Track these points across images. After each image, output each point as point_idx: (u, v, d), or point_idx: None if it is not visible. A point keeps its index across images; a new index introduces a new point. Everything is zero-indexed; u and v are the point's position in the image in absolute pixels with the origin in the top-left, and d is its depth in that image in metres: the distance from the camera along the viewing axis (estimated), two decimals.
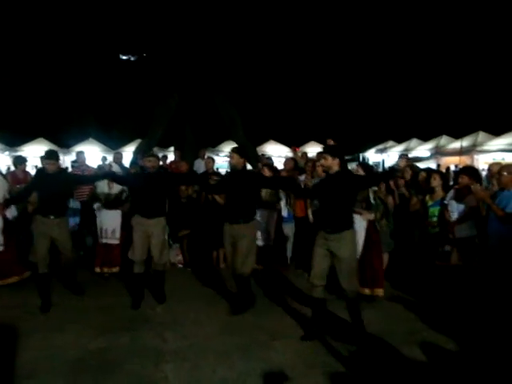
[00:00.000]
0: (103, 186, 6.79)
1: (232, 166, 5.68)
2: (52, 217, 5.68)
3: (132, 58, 32.03)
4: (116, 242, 6.84)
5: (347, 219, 4.76)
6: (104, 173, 7.09)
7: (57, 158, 5.92)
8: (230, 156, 5.65)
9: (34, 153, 16.42)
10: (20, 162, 7.84)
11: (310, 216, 6.95)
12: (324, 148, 5.40)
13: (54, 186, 5.63)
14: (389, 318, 5.37)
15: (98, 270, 6.83)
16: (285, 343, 4.69)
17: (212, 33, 15.88)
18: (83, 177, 7.42)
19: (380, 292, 5.89)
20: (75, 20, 24.76)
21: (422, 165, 12.30)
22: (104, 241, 6.85)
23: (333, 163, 4.68)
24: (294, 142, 19.97)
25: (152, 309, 5.63)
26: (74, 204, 7.32)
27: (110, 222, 6.83)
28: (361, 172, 5.85)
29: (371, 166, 6.95)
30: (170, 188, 6.30)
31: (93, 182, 6.82)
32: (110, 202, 6.82)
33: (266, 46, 21.11)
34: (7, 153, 17.74)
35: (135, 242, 5.70)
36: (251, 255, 5.52)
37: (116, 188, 6.77)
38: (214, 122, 14.71)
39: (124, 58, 32.05)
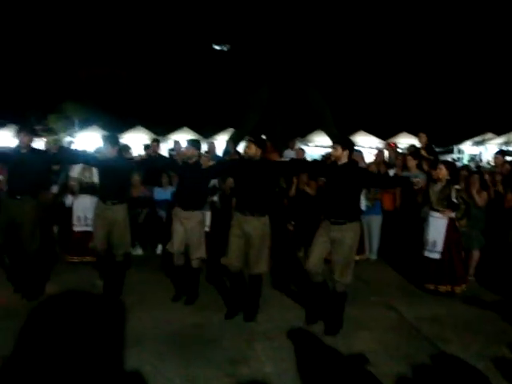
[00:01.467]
0: (79, 172, 6.87)
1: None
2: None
3: (225, 48, 32.87)
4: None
5: (352, 211, 4.84)
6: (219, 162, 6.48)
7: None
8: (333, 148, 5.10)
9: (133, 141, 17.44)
10: (126, 149, 8.43)
11: None
12: (335, 139, 5.33)
13: None
14: (475, 317, 5.34)
15: (73, 259, 6.84)
16: (368, 333, 4.86)
17: (306, 24, 15.97)
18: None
19: (459, 289, 5.93)
20: (171, 10, 25.80)
21: None
22: (80, 228, 6.89)
23: (342, 154, 4.83)
24: (384, 133, 19.60)
25: None
26: None
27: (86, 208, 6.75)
28: (443, 171, 5.84)
29: (454, 165, 6.73)
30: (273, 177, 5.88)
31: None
32: (86, 188, 6.88)
33: (360, 36, 20.77)
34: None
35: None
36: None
37: (91, 174, 6.79)
38: (303, 112, 14.85)
39: (217, 47, 32.96)
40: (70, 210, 7.09)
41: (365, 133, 20.31)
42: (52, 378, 3.82)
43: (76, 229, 6.93)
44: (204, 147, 7.66)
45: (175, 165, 6.04)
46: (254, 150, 5.06)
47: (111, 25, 26.33)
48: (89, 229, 6.50)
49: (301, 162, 6.82)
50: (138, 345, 4.39)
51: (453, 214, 5.88)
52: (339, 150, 4.85)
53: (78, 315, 5.06)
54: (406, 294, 6.11)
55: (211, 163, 5.55)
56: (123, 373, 3.92)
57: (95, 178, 6.59)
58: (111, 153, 5.68)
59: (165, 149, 17.01)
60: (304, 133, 19.69)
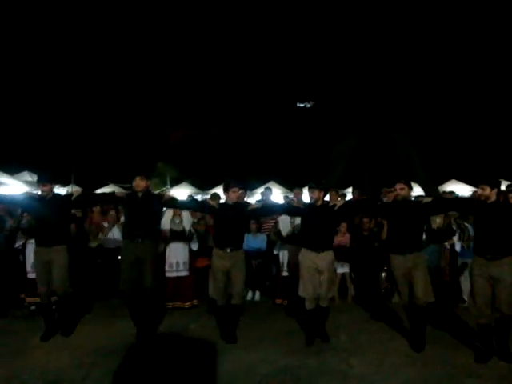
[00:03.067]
0: (169, 220, 7.13)
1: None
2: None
3: (308, 105, 33.72)
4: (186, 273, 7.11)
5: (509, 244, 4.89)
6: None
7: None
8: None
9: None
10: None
11: None
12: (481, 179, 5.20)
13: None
14: None
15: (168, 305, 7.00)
16: (479, 381, 4.43)
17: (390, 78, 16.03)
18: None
19: None
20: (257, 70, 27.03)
21: None
22: (172, 274, 7.11)
23: (491, 193, 4.95)
24: (477, 181, 18.64)
25: (336, 336, 5.76)
26: None
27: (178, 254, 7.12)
28: None
29: None
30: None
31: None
32: (177, 235, 7.11)
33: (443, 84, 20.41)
34: (199, 196, 19.94)
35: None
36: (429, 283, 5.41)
37: (184, 222, 7.14)
38: (389, 161, 14.58)
39: (301, 105, 33.88)
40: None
41: (456, 181, 19.46)
42: None
43: (168, 275, 7.14)
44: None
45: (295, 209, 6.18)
46: (317, 195, 5.58)
47: (206, 88, 28.01)
48: (180, 274, 6.96)
49: (448, 202, 6.69)
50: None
51: None
52: (487, 189, 4.96)
53: (172, 357, 5.10)
54: None
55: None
56: None
57: (186, 225, 7.12)
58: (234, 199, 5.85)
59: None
60: (392, 182, 19.21)
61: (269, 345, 5.45)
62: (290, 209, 6.34)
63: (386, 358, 5.02)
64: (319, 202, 5.62)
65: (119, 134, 25.79)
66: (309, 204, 5.78)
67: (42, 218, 5.68)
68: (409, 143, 14.00)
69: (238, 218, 5.76)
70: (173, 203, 6.20)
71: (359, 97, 17.20)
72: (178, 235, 7.15)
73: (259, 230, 7.95)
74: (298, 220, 6.57)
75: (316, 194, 5.57)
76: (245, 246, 7.84)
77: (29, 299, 6.87)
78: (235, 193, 5.80)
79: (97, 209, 8.23)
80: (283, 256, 7.26)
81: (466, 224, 7.29)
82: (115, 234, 7.76)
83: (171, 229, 7.14)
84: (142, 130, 26.48)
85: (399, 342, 5.50)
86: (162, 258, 7.18)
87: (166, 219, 7.16)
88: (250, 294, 7.70)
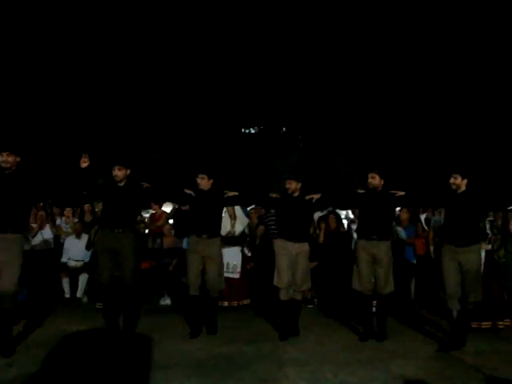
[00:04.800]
0: (226, 224, 7.05)
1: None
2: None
3: (253, 131, 34.21)
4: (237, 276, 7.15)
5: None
6: None
7: None
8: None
9: None
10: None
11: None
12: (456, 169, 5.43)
13: None
14: None
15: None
16: (407, 360, 4.62)
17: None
18: None
19: (502, 324, 5.73)
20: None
21: None
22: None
23: (462, 183, 5.13)
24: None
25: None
26: None
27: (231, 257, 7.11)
28: None
29: None
30: None
31: None
32: (232, 238, 7.16)
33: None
34: None
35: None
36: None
37: (238, 225, 7.22)
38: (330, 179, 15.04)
39: (246, 131, 34.31)
40: None
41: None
42: None
43: None
44: None
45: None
46: (294, 186, 5.63)
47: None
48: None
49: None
50: (165, 369, 4.26)
51: (489, 246, 5.73)
52: (459, 178, 5.15)
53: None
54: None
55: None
56: None
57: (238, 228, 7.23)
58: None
59: None
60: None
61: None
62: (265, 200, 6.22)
63: (321, 346, 5.13)
64: (296, 194, 5.65)
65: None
66: (286, 195, 5.74)
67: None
68: (349, 163, 14.59)
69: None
70: (237, 200, 6.07)
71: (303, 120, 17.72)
72: (230, 239, 7.13)
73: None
74: None
75: (293, 184, 5.61)
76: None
77: None
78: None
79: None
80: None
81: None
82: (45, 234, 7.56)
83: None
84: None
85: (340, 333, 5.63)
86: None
87: (226, 222, 7.07)
88: None
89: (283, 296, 5.55)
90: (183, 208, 7.65)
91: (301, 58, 20.96)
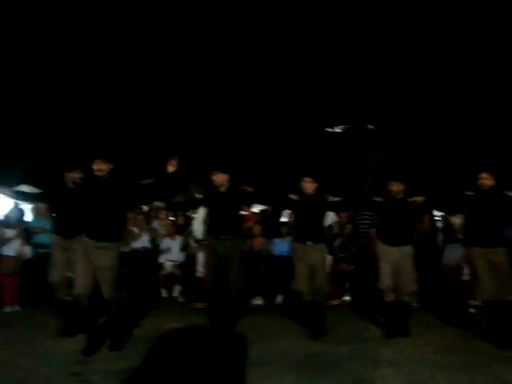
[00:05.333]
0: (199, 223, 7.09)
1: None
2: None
3: (338, 130, 33.78)
4: None
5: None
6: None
7: None
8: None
9: None
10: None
11: None
12: None
13: None
14: None
15: None
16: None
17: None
18: None
19: None
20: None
21: None
22: None
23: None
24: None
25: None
26: None
27: None
28: None
29: None
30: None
31: None
32: None
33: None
34: None
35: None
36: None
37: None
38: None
39: (330, 130, 33.95)
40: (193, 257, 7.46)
41: None
42: None
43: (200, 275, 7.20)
44: None
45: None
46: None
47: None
48: None
49: None
50: (260, 366, 4.34)
51: None
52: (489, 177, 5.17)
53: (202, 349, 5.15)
54: None
55: None
56: None
57: None
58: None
59: None
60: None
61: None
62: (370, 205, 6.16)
63: (416, 348, 4.98)
64: (399, 196, 5.50)
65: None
66: (389, 198, 5.60)
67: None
68: (441, 160, 13.98)
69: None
70: (339, 205, 6.05)
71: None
72: None
73: (289, 233, 8.01)
74: None
75: (397, 186, 5.48)
76: (276, 252, 8.02)
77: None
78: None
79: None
80: None
81: None
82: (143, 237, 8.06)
83: None
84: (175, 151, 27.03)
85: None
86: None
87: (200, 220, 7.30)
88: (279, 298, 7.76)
89: (387, 297, 5.49)
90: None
91: (386, 52, 20.45)
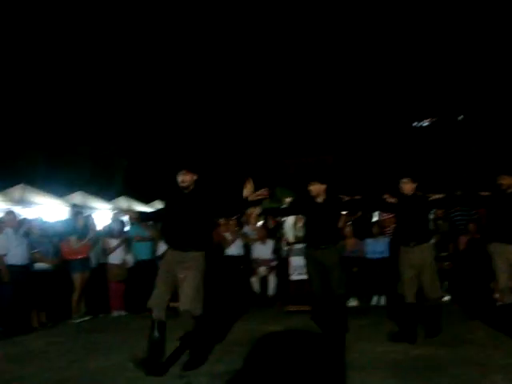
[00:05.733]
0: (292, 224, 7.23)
1: None
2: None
3: (425, 124, 32.55)
4: None
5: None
6: None
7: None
8: None
9: None
10: None
11: None
12: None
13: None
14: None
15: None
16: None
17: None
18: None
19: None
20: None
21: None
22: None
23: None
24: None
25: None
26: None
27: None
28: None
29: None
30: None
31: None
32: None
33: None
34: None
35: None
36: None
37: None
38: None
39: (417, 124, 32.79)
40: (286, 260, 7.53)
41: None
42: None
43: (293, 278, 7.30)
44: None
45: None
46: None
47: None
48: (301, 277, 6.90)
49: None
50: (361, 369, 4.29)
51: None
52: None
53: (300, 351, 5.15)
54: None
55: None
56: None
57: None
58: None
59: None
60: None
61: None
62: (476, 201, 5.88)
63: None
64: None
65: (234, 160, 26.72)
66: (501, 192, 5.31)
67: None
68: None
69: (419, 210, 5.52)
70: (443, 203, 5.79)
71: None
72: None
73: (381, 233, 7.85)
74: None
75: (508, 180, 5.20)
76: (368, 253, 7.88)
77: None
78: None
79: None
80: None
81: None
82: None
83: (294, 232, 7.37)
84: (259, 156, 27.41)
85: None
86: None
87: (290, 223, 7.43)
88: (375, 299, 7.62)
89: (505, 298, 5.24)
90: None
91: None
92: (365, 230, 8.11)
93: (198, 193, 4.69)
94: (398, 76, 27.99)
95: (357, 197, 5.88)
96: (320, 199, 5.61)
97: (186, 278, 4.50)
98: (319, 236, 5.60)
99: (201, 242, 4.66)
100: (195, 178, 4.67)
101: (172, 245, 4.71)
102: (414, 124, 32.75)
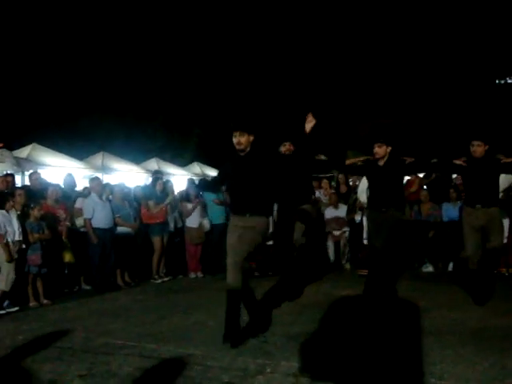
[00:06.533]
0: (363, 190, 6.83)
1: None
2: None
3: (509, 81, 30.37)
4: None
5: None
6: None
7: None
8: None
9: None
10: None
11: None
12: None
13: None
14: None
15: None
16: None
17: None
18: None
19: None
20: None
21: None
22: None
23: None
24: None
25: None
26: None
27: None
28: None
29: None
30: None
31: None
32: None
33: None
34: None
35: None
36: None
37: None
38: None
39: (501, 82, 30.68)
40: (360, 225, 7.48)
41: None
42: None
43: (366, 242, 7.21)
44: None
45: None
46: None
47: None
48: None
49: None
50: (437, 336, 4.24)
51: None
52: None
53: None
54: None
55: None
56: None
57: None
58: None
59: None
60: None
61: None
62: None
63: None
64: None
65: None
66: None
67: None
68: None
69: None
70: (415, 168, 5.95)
71: None
72: None
73: (459, 197, 7.56)
74: None
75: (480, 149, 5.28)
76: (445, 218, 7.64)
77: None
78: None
79: None
80: None
81: None
82: None
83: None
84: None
85: None
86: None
87: (362, 189, 7.29)
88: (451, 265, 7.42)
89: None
90: None
91: None
92: (442, 194, 7.85)
93: (256, 155, 4.34)
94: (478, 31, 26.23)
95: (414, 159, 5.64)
96: (382, 162, 5.50)
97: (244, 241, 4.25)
98: (380, 198, 5.53)
99: (262, 207, 4.36)
100: (252, 139, 4.32)
101: (234, 211, 4.48)
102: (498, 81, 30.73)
